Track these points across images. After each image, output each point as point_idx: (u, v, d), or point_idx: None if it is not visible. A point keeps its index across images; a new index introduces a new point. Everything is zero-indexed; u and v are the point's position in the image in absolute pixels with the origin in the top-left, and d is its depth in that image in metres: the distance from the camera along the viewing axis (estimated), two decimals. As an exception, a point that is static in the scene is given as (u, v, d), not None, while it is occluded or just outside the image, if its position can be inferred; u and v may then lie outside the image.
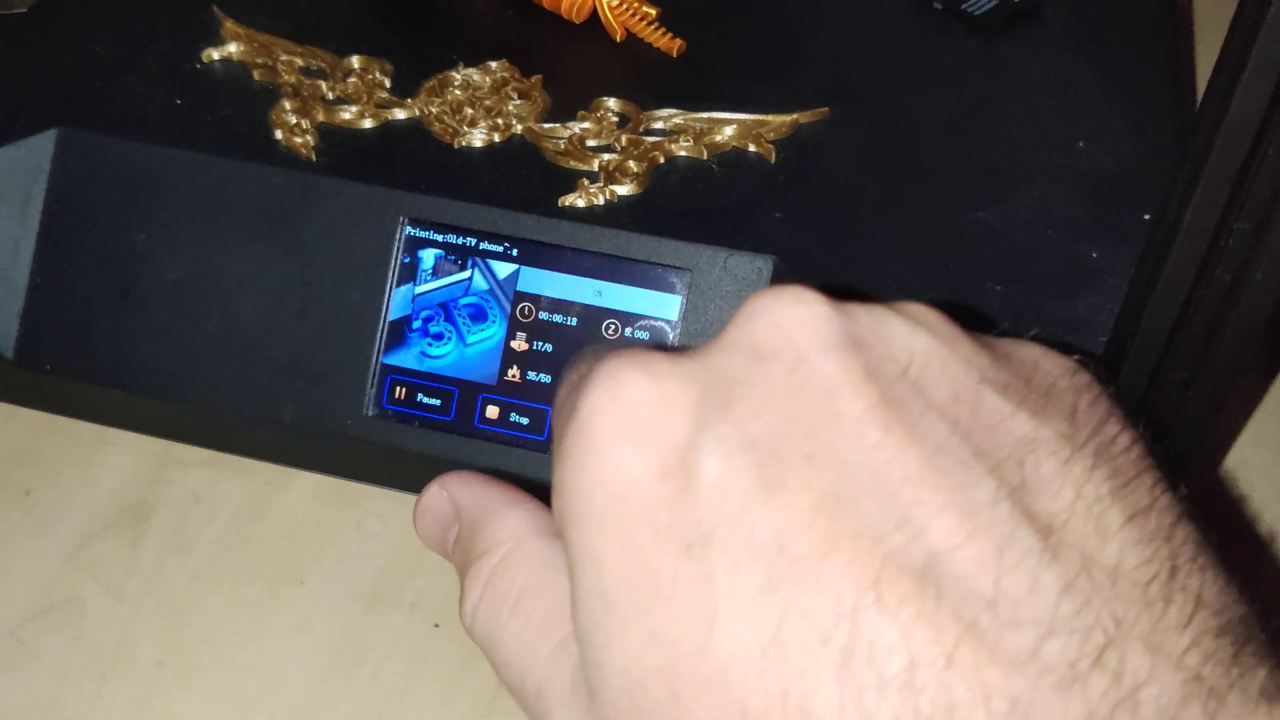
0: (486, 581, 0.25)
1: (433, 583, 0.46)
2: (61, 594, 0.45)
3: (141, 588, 0.45)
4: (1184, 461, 0.35)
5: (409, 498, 0.47)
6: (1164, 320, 0.31)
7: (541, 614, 0.24)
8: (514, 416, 0.43)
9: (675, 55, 0.49)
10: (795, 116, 0.46)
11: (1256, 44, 0.26)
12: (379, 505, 0.48)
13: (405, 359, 0.43)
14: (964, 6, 0.50)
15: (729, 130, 0.45)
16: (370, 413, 0.44)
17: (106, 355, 0.45)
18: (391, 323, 0.43)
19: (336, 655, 0.44)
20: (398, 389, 0.44)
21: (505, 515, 0.26)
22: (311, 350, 0.44)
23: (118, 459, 0.49)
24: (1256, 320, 0.30)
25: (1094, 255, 0.41)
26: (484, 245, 0.43)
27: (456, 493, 0.28)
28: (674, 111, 0.46)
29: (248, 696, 0.42)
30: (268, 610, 0.45)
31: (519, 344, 0.43)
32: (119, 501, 0.48)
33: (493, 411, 0.43)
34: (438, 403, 0.43)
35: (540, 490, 0.42)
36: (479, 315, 0.43)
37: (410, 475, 0.45)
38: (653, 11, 0.49)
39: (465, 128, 0.45)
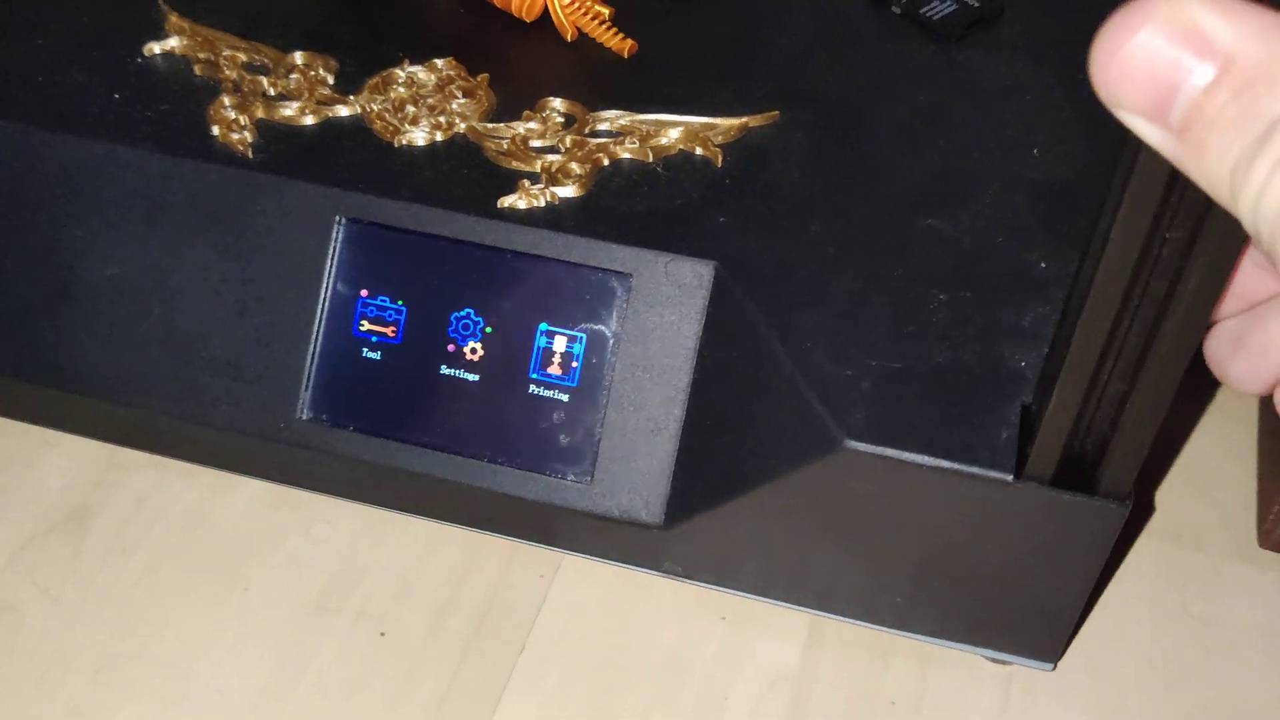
0: None
1: (378, 591, 0.45)
2: (-1, 598, 0.44)
3: (81, 592, 0.44)
4: (1124, 475, 0.34)
5: (358, 504, 0.46)
6: (1097, 331, 0.30)
7: None
8: (452, 423, 0.42)
9: (626, 56, 0.48)
10: (744, 120, 0.45)
11: None
12: (326, 511, 0.47)
13: (342, 361, 0.42)
14: (923, 11, 0.49)
15: (674, 133, 0.44)
16: (305, 416, 0.42)
17: (40, 354, 0.44)
18: (327, 324, 0.42)
19: (280, 663, 0.43)
20: (333, 392, 0.42)
21: None
22: (246, 350, 0.43)
23: (60, 461, 0.48)
24: (1191, 332, 0.29)
25: (1042, 265, 0.40)
26: (422, 245, 0.42)
27: (1217, 32, 0.21)
28: (619, 113, 0.45)
29: (188, 705, 0.42)
30: (211, 617, 0.44)
31: (457, 347, 0.42)
32: (61, 504, 0.47)
33: (431, 417, 0.42)
34: (375, 407, 0.42)
35: (484, 500, 0.42)
36: (417, 317, 0.42)
37: (347, 482, 0.44)
38: (606, 11, 0.48)
39: (406, 126, 0.44)
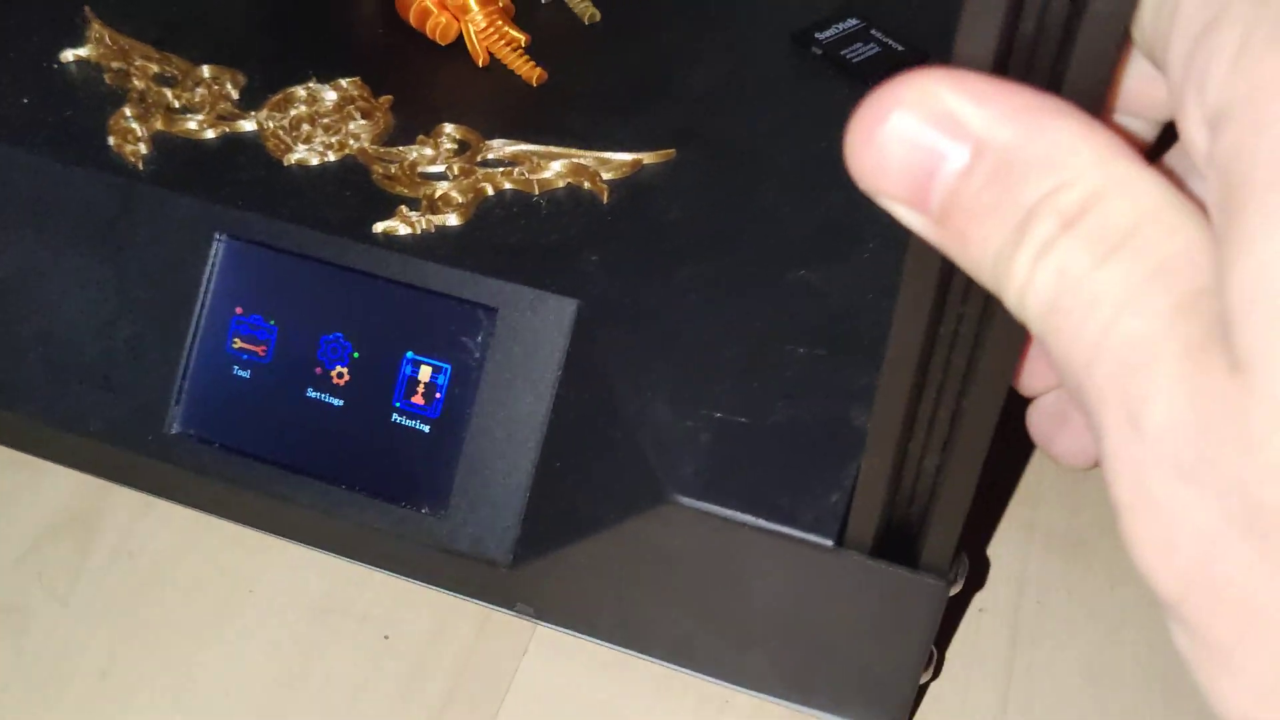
0: (1070, 218, 0.19)
1: (383, 594, 0.45)
2: (6, 601, 0.44)
3: (88, 595, 0.44)
4: (943, 549, 0.33)
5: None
6: (894, 404, 0.29)
7: (1160, 262, 0.19)
8: (314, 447, 0.42)
9: (535, 84, 0.47)
10: (639, 157, 0.44)
11: None
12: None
13: (212, 378, 0.42)
14: (844, 53, 0.48)
15: (561, 165, 0.43)
16: (174, 431, 0.42)
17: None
18: (200, 340, 0.42)
19: (284, 665, 0.43)
20: (203, 408, 0.42)
21: (1086, 140, 0.19)
22: (119, 362, 0.43)
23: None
24: (988, 410, 0.28)
25: (910, 324, 0.39)
26: (296, 266, 0.42)
27: (968, 116, 0.20)
28: (510, 142, 0.44)
29: (193, 707, 0.42)
30: (216, 619, 0.44)
31: (324, 371, 0.41)
32: (68, 506, 0.47)
33: (294, 440, 0.42)
34: (241, 426, 0.42)
35: (341, 527, 0.40)
36: (287, 338, 0.42)
37: (213, 499, 0.44)
38: (521, 38, 0.48)
39: (298, 145, 0.44)
